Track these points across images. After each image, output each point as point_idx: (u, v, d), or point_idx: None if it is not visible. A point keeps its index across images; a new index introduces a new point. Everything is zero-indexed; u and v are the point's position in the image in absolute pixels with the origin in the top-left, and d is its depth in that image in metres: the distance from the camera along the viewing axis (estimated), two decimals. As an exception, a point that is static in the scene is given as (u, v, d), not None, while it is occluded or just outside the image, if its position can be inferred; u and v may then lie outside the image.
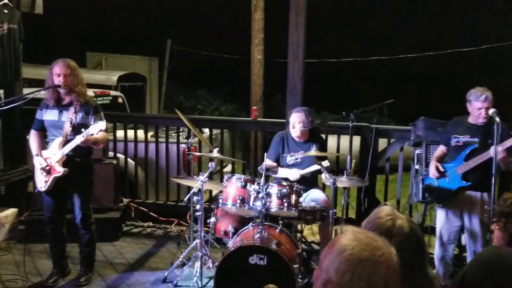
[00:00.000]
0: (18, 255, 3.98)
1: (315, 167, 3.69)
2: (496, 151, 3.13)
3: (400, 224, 1.53)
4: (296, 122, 3.81)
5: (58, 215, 3.55)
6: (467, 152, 3.37)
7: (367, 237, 1.22)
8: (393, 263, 1.20)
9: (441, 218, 3.53)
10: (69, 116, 3.37)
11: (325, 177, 3.53)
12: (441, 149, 3.62)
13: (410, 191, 4.18)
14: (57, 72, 3.35)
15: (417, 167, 4.00)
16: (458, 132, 3.45)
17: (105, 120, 3.32)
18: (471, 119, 3.43)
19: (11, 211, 4.51)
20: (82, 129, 3.24)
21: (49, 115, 3.45)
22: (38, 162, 3.42)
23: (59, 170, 3.35)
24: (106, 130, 3.43)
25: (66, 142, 3.36)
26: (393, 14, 13.52)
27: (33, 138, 3.53)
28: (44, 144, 3.55)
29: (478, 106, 3.31)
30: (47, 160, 3.41)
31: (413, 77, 13.38)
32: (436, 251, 3.56)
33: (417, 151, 4.02)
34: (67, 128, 3.37)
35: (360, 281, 1.14)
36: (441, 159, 3.58)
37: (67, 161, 3.38)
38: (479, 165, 3.28)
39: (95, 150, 3.67)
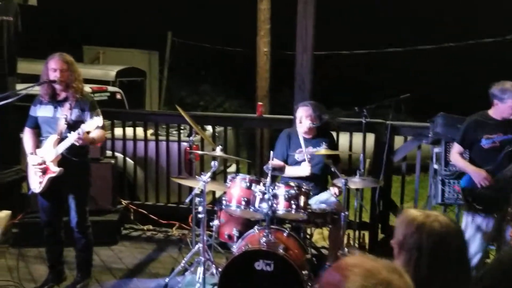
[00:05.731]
0: (12, 260, 4.02)
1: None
2: None
3: (447, 223, 1.54)
4: (303, 117, 3.80)
5: (55, 217, 3.57)
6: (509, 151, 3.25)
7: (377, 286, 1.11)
8: None
9: (475, 225, 3.40)
10: (64, 113, 3.40)
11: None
12: (459, 152, 3.47)
13: (429, 192, 4.16)
14: (52, 67, 3.37)
15: (436, 166, 3.98)
16: (488, 132, 3.33)
17: (101, 117, 3.33)
18: (494, 115, 3.34)
19: (4, 214, 4.55)
20: (78, 126, 3.26)
21: (43, 111, 3.47)
22: (33, 161, 3.44)
23: (54, 170, 3.37)
24: (104, 128, 3.45)
25: (61, 140, 3.37)
26: (412, 1, 13.40)
27: (27, 136, 3.54)
28: (38, 142, 3.57)
29: None
30: (41, 159, 3.43)
31: (433, 71, 13.27)
32: None
33: (436, 150, 3.99)
34: (62, 125, 3.39)
35: None
36: None
37: (62, 161, 3.40)
38: None
39: (92, 148, 3.69)
